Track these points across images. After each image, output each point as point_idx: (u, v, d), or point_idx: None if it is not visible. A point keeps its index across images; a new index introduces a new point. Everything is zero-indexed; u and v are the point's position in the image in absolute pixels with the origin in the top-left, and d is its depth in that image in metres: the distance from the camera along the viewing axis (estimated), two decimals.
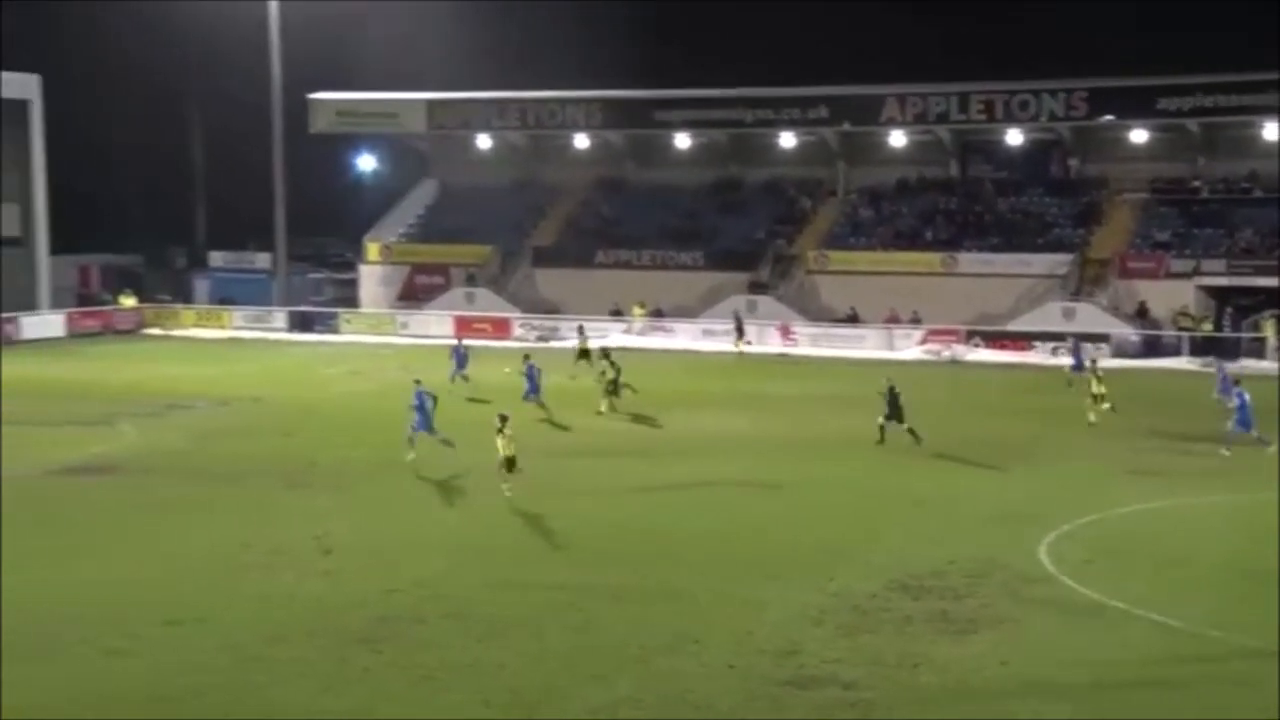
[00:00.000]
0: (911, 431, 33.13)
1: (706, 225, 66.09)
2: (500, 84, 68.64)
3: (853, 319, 59.23)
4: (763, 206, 66.72)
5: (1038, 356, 52.99)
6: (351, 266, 71.33)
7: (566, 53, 73.23)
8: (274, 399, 41.91)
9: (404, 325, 62.78)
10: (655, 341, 57.84)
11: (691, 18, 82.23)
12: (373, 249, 69.35)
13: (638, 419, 38.24)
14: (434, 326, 61.40)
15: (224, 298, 69.45)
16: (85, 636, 18.80)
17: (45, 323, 60.86)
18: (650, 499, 28.24)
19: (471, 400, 39.57)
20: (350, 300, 69.09)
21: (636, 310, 60.85)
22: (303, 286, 71.66)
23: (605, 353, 41.01)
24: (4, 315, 59.25)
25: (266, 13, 64.74)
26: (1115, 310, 56.36)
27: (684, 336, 59.00)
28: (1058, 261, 58.71)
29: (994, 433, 35.73)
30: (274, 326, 64.08)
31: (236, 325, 64.50)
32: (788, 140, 66.27)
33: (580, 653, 18.55)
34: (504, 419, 27.92)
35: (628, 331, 59.45)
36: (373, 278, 68.74)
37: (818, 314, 60.51)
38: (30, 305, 61.96)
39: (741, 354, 54.73)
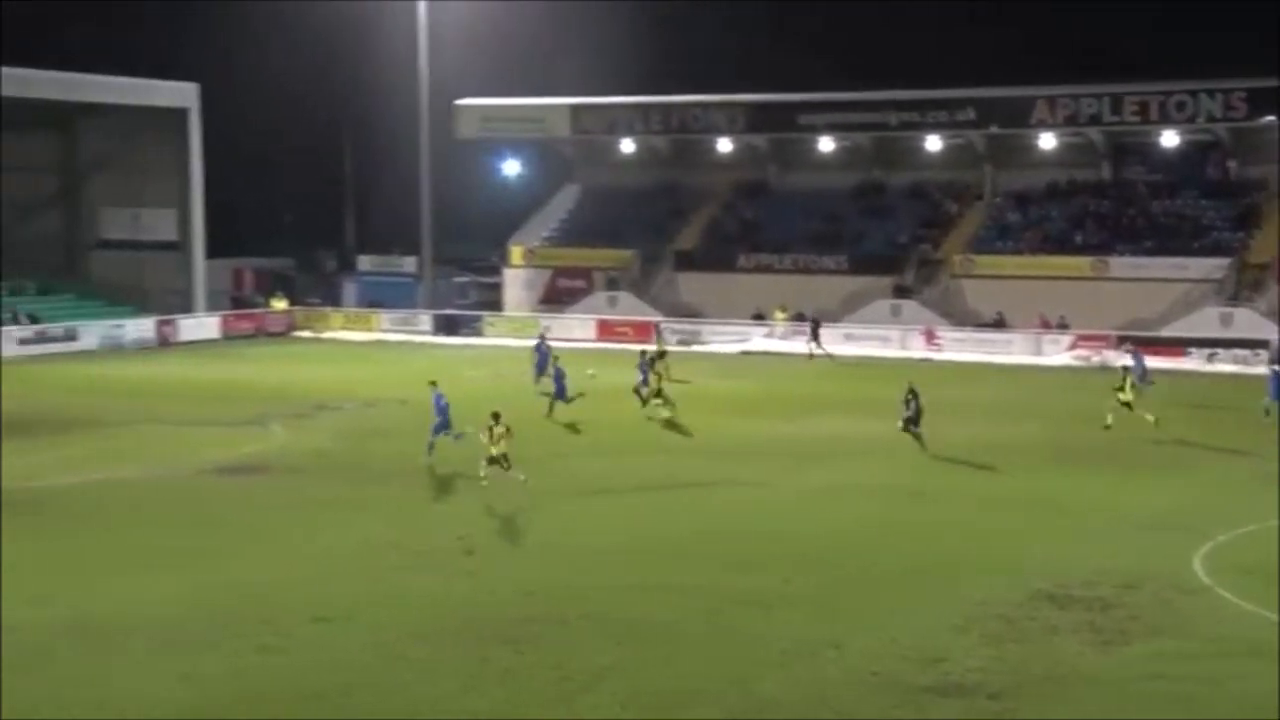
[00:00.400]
0: (917, 436, 33.04)
1: (850, 229, 65.53)
2: (643, 88, 68.85)
3: (999, 324, 58.24)
4: (907, 210, 65.94)
5: (1193, 363, 51.57)
6: (495, 270, 72.06)
7: (709, 56, 73.23)
8: (419, 401, 42.30)
9: (546, 328, 63.08)
10: (797, 346, 57.46)
11: (833, 20, 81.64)
12: (516, 253, 70.00)
13: (778, 422, 38.06)
14: (576, 330, 61.75)
15: (372, 301, 70.69)
16: (238, 633, 19.22)
17: (201, 325, 62.49)
18: (790, 503, 28.04)
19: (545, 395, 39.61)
20: (494, 304, 69.80)
21: (778, 314, 60.56)
22: (448, 290, 72.60)
23: (658, 356, 40.43)
24: (163, 318, 61.04)
25: (415, 20, 65.68)
26: (1275, 315, 54.58)
27: (826, 341, 58.52)
28: (1214, 266, 57.07)
29: (1143, 440, 34.78)
30: (420, 329, 65.00)
31: (383, 328, 65.56)
32: (933, 143, 65.39)
33: (720, 656, 18.47)
34: (496, 417, 28.32)
35: (769, 336, 59.18)
36: (516, 281, 69.37)
37: (963, 319, 59.61)
38: (187, 308, 63.69)
39: (811, 356, 54.14)
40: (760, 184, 69.54)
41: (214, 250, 66.48)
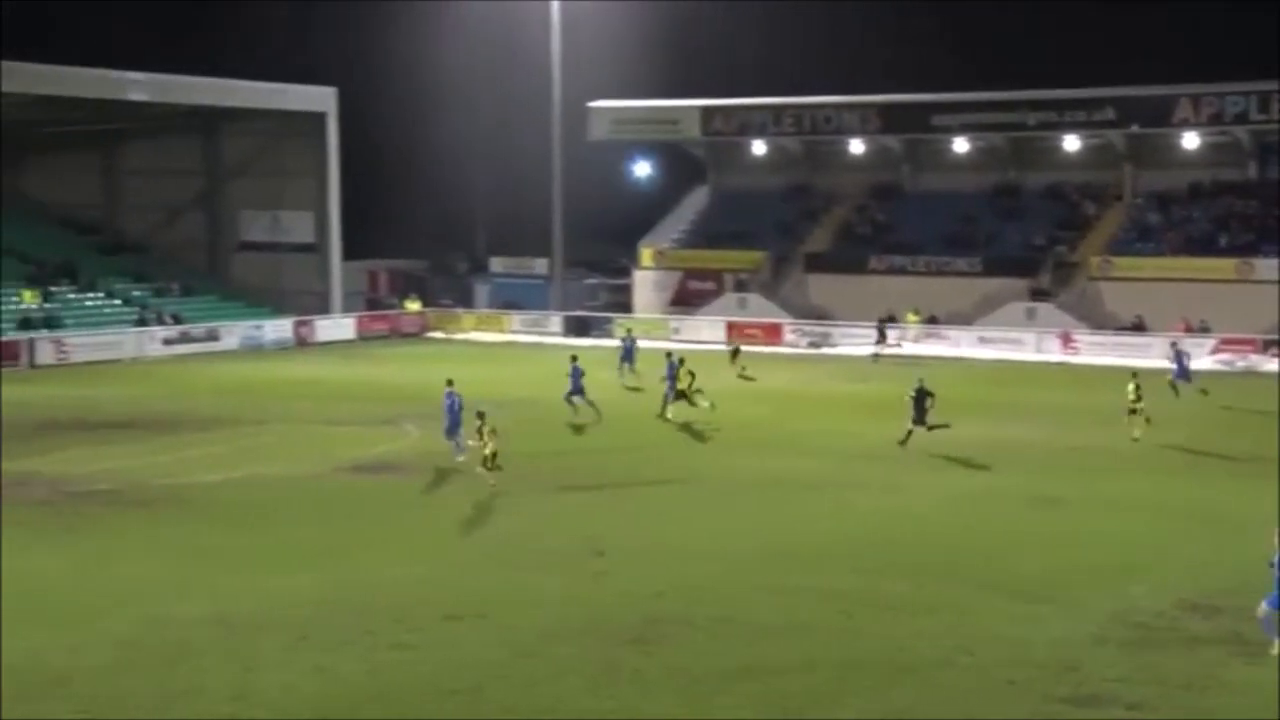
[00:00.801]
0: (913, 432, 33.17)
1: (984, 231, 64.57)
2: (775, 90, 68.56)
3: (1138, 327, 56.93)
4: (1043, 211, 64.77)
5: None
6: (626, 272, 72.28)
7: (842, 57, 72.69)
8: (549, 401, 42.69)
9: (676, 330, 63.27)
10: (929, 349, 56.78)
11: (967, 19, 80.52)
12: (647, 254, 70.15)
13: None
14: (706, 332, 61.70)
15: (503, 302, 71.37)
16: (371, 629, 19.46)
17: (337, 326, 63.59)
18: (924, 508, 27.67)
19: (632, 390, 39.44)
20: (624, 305, 70.00)
21: (910, 317, 59.90)
22: (578, 291, 72.99)
23: (681, 360, 39.86)
24: (300, 319, 62.25)
25: (548, 23, 66.16)
26: None
27: (959, 344, 57.76)
28: None
29: None
30: (550, 330, 65.45)
31: (514, 329, 66.12)
32: (1071, 143, 64.20)
33: (851, 661, 18.26)
34: (482, 416, 28.98)
35: (901, 338, 58.56)
36: (646, 283, 69.52)
37: (1101, 322, 58.41)
38: (324, 309, 64.85)
39: (877, 357, 54.10)
40: (893, 185, 68.85)
41: (350, 252, 67.58)
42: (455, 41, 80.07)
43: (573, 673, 17.89)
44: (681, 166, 77.71)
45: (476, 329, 66.61)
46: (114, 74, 56.03)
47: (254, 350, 57.52)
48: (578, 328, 65.25)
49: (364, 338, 63.46)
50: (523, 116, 75.76)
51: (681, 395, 37.80)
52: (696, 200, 73.70)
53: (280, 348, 58.73)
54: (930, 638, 19.15)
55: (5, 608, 20.35)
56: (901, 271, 63.41)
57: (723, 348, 57.28)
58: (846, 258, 65.37)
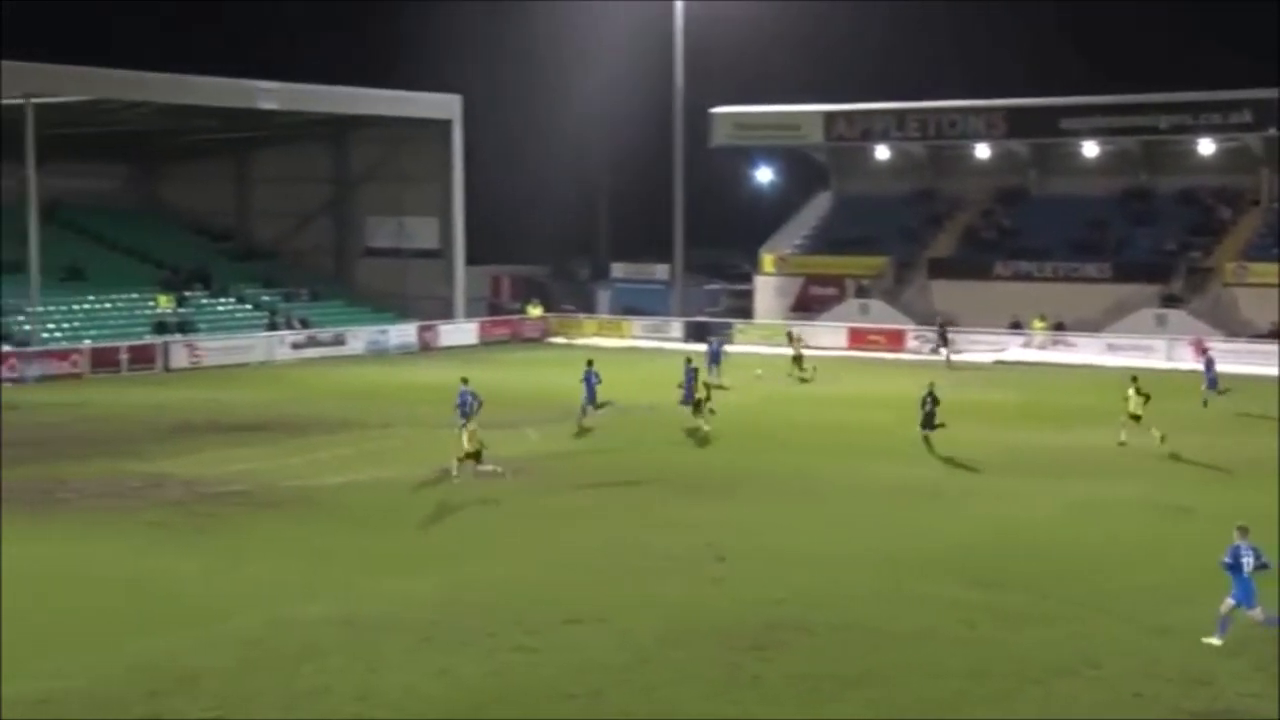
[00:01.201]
0: (926, 439, 33.64)
1: (1114, 236, 63.38)
2: (899, 94, 67.97)
3: (1276, 335, 55.41)
4: (1176, 216, 63.41)
5: None
6: (747, 278, 72.14)
7: (967, 60, 71.89)
8: (668, 407, 42.72)
9: (797, 337, 62.90)
10: (1057, 356, 55.86)
11: (1097, 19, 79.10)
12: (768, 260, 69.96)
13: (1035, 433, 37.00)
14: (827, 338, 61.34)
15: (624, 307, 71.59)
16: (493, 631, 19.60)
17: (460, 330, 64.29)
18: (1048, 517, 27.20)
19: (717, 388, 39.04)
20: (745, 311, 69.88)
21: (1037, 323, 58.98)
22: (699, 297, 72.98)
23: (697, 369, 39.87)
24: (424, 323, 63.04)
25: (671, 28, 66.29)
26: None
27: (1087, 351, 56.74)
28: None
29: None
30: (670, 336, 65.52)
31: (635, 334, 66.30)
32: (1205, 147, 62.79)
33: (974, 671, 17.99)
34: (474, 449, 29.55)
35: (1027, 345, 57.66)
36: (767, 289, 69.33)
37: (1236, 329, 56.97)
38: (447, 314, 65.63)
39: (949, 363, 53.94)
40: (1020, 190, 67.89)
41: (473, 258, 68.30)
42: (578, 47, 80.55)
43: (692, 678, 17.85)
44: (803, 171, 77.39)
45: (597, 334, 66.92)
46: (247, 83, 57.24)
47: (379, 355, 58.38)
48: (698, 333, 65.22)
49: (486, 343, 64.09)
50: (645, 122, 75.97)
51: (698, 404, 37.67)
52: (819, 205, 73.32)
53: (404, 352, 59.53)
54: (1053, 648, 18.80)
55: (139, 606, 20.89)
56: (1028, 277, 62.49)
57: (842, 354, 56.99)
58: (971, 263, 64.60)
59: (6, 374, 47.83)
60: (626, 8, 70.00)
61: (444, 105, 65.04)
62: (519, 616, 20.25)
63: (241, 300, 62.18)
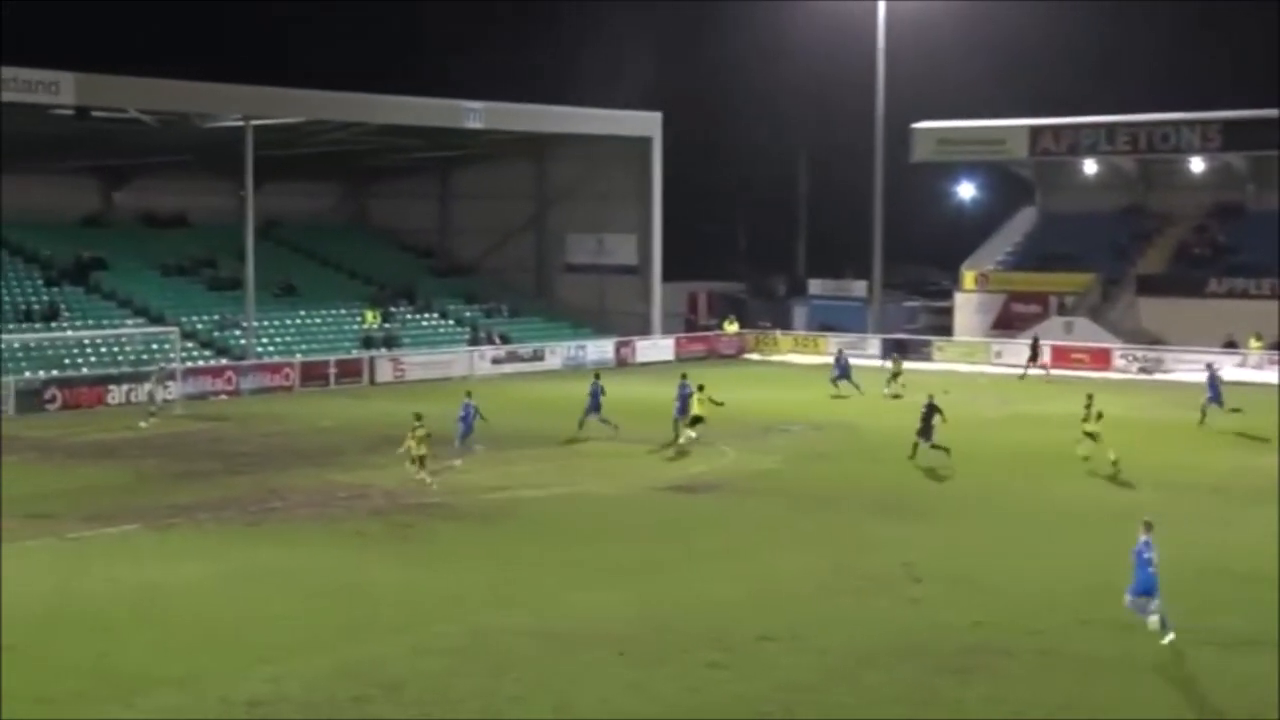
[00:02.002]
0: (915, 447, 33.99)
1: None
2: (1107, 107, 66.22)
3: None
4: None
5: None
6: (946, 294, 71.04)
7: (1179, 71, 69.67)
8: (865, 425, 42.35)
9: (998, 354, 61.75)
10: (1274, 376, 53.60)
11: None
12: (969, 277, 68.79)
13: (1248, 455, 35.56)
14: (1029, 356, 59.94)
15: (821, 324, 71.14)
16: (687, 647, 19.61)
17: (656, 346, 64.61)
18: (1258, 543, 26.04)
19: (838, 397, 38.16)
20: (944, 328, 68.82)
21: (1253, 343, 56.77)
22: (897, 314, 72.10)
23: (701, 386, 38.87)
24: (621, 339, 63.56)
25: (873, 45, 65.76)
26: None
27: None
28: None
29: None
30: (868, 353, 64.79)
31: (831, 351, 65.71)
32: None
33: (1181, 702, 17.38)
34: (419, 417, 31.30)
35: (1242, 365, 55.52)
36: (968, 306, 68.17)
37: None
38: (644, 330, 66.05)
39: (1024, 376, 54.19)
40: (1236, 205, 65.54)
41: (670, 274, 68.61)
42: (778, 64, 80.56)
43: (888, 700, 17.59)
44: (1007, 187, 76.00)
45: (793, 351, 66.61)
46: (454, 103, 58.56)
47: (576, 370, 59.00)
48: (896, 350, 64.40)
49: (682, 359, 64.22)
50: (844, 138, 75.51)
51: (697, 420, 37.40)
52: (1022, 221, 71.86)
53: (601, 368, 60.01)
54: (1265, 679, 17.99)
55: (346, 613, 21.46)
56: (1244, 295, 60.25)
57: (1045, 372, 55.72)
58: (1183, 280, 62.56)
59: (223, 387, 49.75)
60: (826, 25, 69.72)
61: (644, 123, 65.51)
62: (713, 633, 20.22)
63: (444, 316, 63.57)
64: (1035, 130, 67.80)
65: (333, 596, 22.36)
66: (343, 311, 60.56)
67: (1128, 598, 20.06)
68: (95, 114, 50.12)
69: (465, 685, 18.07)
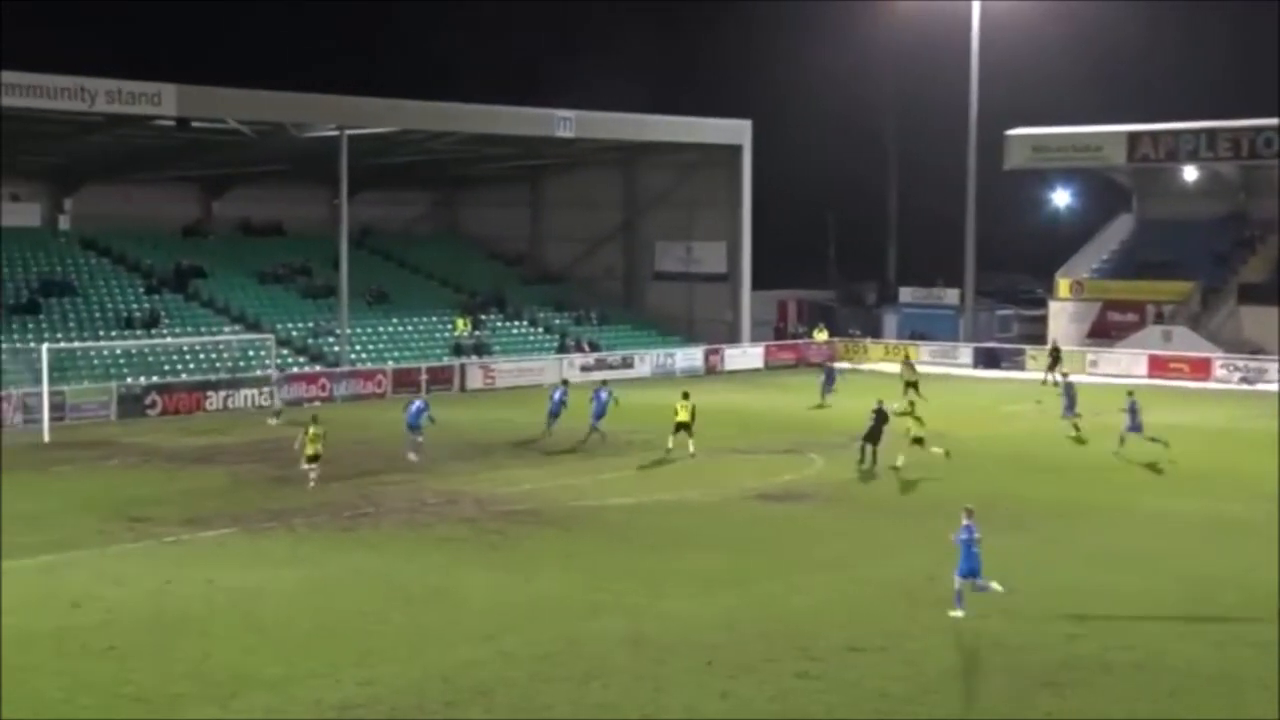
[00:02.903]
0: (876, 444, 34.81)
1: None
2: (1208, 112, 65.08)
3: None
4: None
5: None
6: (1040, 303, 70.21)
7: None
8: (956, 435, 41.89)
9: (1093, 363, 60.92)
10: None
11: None
12: (1063, 285, 67.94)
13: None
14: (1125, 365, 59.14)
15: (912, 333, 70.59)
16: (776, 656, 19.53)
17: (745, 355, 64.45)
18: None
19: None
20: (1037, 337, 68.05)
21: None
22: (989, 322, 71.36)
23: (685, 394, 38.53)
24: (710, 347, 63.48)
25: (966, 52, 65.18)
26: None
27: None
28: None
29: None
30: (959, 362, 64.28)
31: (922, 360, 65.22)
32: None
33: None
34: (314, 418, 33.17)
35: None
36: (1062, 314, 67.32)
37: None
38: (733, 338, 65.91)
39: (1046, 382, 53.94)
40: None
41: (759, 282, 68.43)
42: (868, 71, 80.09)
43: (981, 712, 17.39)
44: (1103, 194, 74.96)
45: (884, 359, 66.15)
46: (545, 112, 58.88)
47: (665, 377, 59.01)
48: (987, 359, 63.80)
49: (771, 367, 64.08)
50: (936, 145, 74.87)
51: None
52: (1119, 229, 70.83)
53: (690, 375, 60.04)
54: None
55: (436, 618, 21.62)
56: None
57: (1142, 381, 54.90)
58: None
59: (318, 393, 50.38)
60: (918, 31, 69.26)
61: (734, 131, 65.42)
62: (802, 642, 20.12)
63: (533, 323, 63.90)
64: (1133, 136, 66.74)
65: (423, 602, 22.55)
66: (434, 319, 61.08)
67: (956, 580, 21.65)
68: (195, 125, 51.05)
69: (554, 691, 18.13)
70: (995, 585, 21.67)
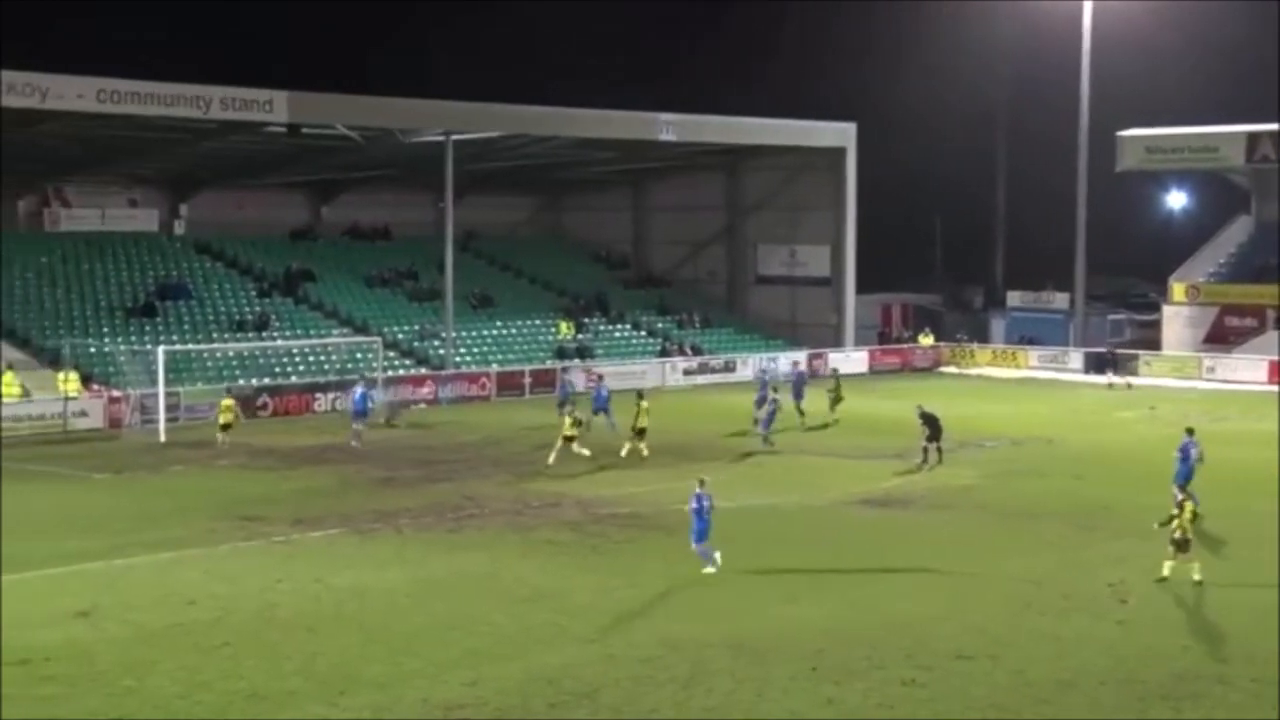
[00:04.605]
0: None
1: None
2: None
3: None
4: None
5: None
6: (1154, 307, 68.92)
7: None
8: (1067, 440, 41.31)
9: (1210, 369, 59.66)
10: None
11: None
12: (1178, 289, 66.58)
13: None
14: (1243, 371, 57.85)
15: (1021, 337, 69.67)
16: (881, 663, 19.33)
17: (849, 359, 63.94)
18: None
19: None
20: (1151, 342, 66.79)
21: None
22: (1101, 327, 70.17)
23: (641, 394, 38.79)
24: (813, 351, 63.11)
25: (1078, 52, 64.20)
26: None
27: None
28: None
29: None
30: (1070, 367, 63.27)
31: (1031, 365, 64.36)
32: None
33: None
34: (229, 391, 36.70)
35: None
36: (1177, 319, 65.96)
37: None
38: (836, 342, 65.46)
39: (1111, 386, 55.77)
40: None
41: (863, 286, 67.93)
42: (975, 72, 79.14)
43: None
44: (1220, 195, 73.37)
45: (991, 364, 65.36)
46: (649, 116, 58.97)
47: (769, 381, 58.71)
48: (1099, 364, 62.68)
49: (875, 371, 63.56)
50: (1045, 147, 73.80)
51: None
52: (1237, 231, 69.31)
53: (793, 379, 59.68)
54: None
55: (540, 620, 21.70)
56: None
57: (1261, 388, 53.69)
58: None
59: (423, 395, 50.89)
60: (1028, 30, 68.35)
61: (839, 134, 65.01)
62: (908, 649, 19.91)
63: (636, 326, 63.98)
64: (1253, 136, 65.15)
65: (527, 603, 22.65)
66: (537, 322, 61.40)
67: (693, 545, 24.27)
68: (305, 131, 51.84)
69: (657, 695, 18.11)
70: (717, 556, 24.24)
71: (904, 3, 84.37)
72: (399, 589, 23.53)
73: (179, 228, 60.39)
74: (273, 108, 48.92)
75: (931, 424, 36.54)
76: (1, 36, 58.87)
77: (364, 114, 52.70)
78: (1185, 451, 30.56)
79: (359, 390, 40.94)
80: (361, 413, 40.14)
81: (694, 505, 24.57)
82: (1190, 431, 31.30)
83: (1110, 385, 56.72)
